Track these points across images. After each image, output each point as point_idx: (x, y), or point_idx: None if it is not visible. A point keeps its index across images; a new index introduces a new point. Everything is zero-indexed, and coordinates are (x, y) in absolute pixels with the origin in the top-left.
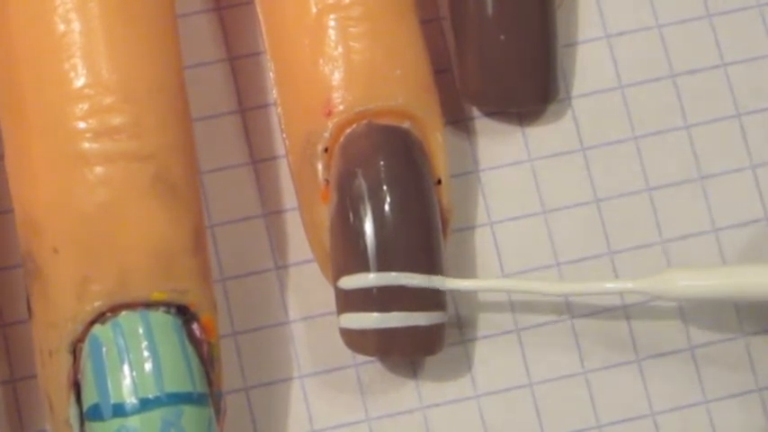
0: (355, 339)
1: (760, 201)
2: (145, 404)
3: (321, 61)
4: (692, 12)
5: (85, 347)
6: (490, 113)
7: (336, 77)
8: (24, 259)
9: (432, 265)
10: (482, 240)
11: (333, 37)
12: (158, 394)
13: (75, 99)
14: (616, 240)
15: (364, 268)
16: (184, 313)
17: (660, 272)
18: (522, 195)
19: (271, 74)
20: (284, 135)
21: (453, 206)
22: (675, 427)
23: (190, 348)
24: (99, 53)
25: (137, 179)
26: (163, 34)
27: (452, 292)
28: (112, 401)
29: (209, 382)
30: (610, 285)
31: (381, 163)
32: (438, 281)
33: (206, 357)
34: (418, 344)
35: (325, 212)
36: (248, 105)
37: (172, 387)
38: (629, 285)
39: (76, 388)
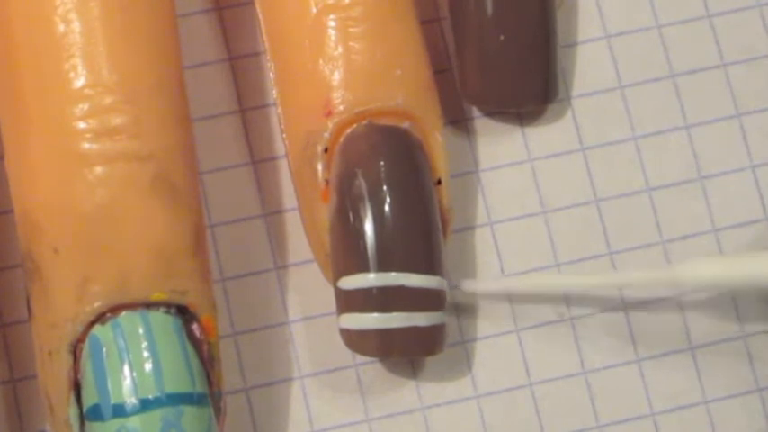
0: (355, 340)
1: (760, 201)
2: (145, 404)
3: (321, 61)
4: (691, 12)
5: (85, 348)
6: (490, 113)
7: (336, 78)
8: (24, 259)
9: (432, 266)
10: (482, 240)
11: (333, 37)
12: (158, 394)
13: (75, 99)
14: (616, 240)
15: (364, 268)
16: (184, 313)
17: (684, 261)
18: (521, 195)
19: (271, 74)
20: (284, 135)
21: (453, 206)
22: (675, 427)
23: (190, 348)
24: (99, 53)
25: (137, 179)
26: (163, 34)
27: (452, 292)
28: (112, 402)
29: (209, 383)
30: (636, 275)
31: (381, 163)
32: (438, 281)
33: (206, 357)
34: (418, 344)
35: (325, 213)
36: (248, 105)
37: (172, 387)
38: (656, 275)
39: (76, 388)
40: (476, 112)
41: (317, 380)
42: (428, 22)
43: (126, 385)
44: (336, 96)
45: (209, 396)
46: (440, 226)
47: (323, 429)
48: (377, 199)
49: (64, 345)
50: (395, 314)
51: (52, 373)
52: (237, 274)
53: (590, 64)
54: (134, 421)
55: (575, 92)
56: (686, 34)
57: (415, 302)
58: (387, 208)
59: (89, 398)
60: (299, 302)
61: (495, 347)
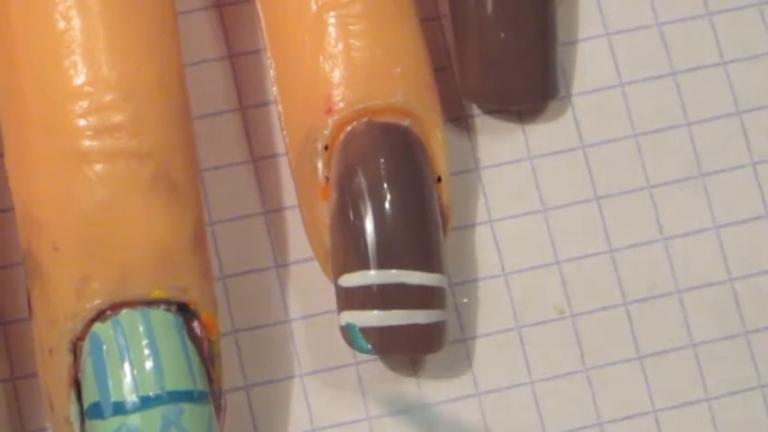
0: None
1: (761, 198)
2: (145, 402)
3: (321, 59)
4: (691, 10)
5: (86, 345)
6: (490, 111)
7: (336, 75)
8: (25, 257)
9: (432, 263)
10: (482, 238)
11: (333, 34)
12: (159, 392)
13: (75, 96)
14: (616, 238)
15: (364, 266)
16: (185, 311)
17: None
18: (522, 193)
19: (271, 71)
20: (284, 133)
21: (453, 204)
22: (677, 424)
23: (190, 346)
24: (99, 50)
25: (136, 177)
26: (163, 32)
27: (453, 289)
28: (113, 399)
29: (210, 380)
30: None
31: (381, 161)
32: (438, 278)
33: (206, 355)
34: (419, 342)
35: (325, 210)
36: (248, 103)
37: (172, 385)
38: None
39: (77, 386)
40: (476, 109)
41: (317, 378)
42: (428, 20)
43: (126, 383)
44: (336, 94)
45: (209, 394)
46: (440, 223)
47: (323, 427)
48: (377, 196)
49: (64, 342)
50: (395, 312)
51: (53, 371)
52: (238, 272)
53: (590, 61)
54: (134, 419)
55: (575, 89)
56: (686, 32)
57: (416, 300)
58: (387, 205)
59: (89, 396)
60: (300, 300)
61: (497, 345)
